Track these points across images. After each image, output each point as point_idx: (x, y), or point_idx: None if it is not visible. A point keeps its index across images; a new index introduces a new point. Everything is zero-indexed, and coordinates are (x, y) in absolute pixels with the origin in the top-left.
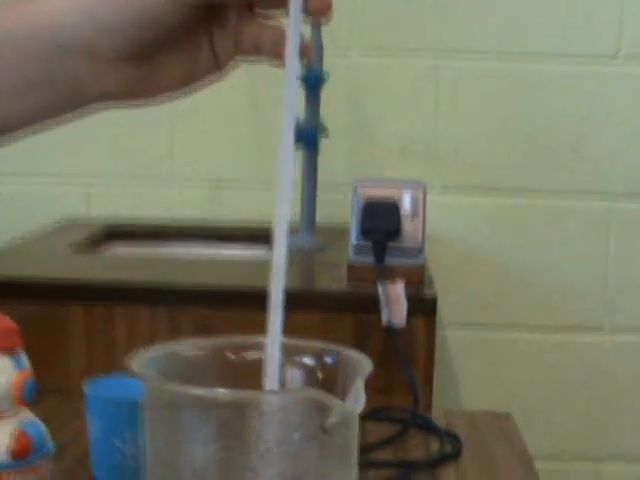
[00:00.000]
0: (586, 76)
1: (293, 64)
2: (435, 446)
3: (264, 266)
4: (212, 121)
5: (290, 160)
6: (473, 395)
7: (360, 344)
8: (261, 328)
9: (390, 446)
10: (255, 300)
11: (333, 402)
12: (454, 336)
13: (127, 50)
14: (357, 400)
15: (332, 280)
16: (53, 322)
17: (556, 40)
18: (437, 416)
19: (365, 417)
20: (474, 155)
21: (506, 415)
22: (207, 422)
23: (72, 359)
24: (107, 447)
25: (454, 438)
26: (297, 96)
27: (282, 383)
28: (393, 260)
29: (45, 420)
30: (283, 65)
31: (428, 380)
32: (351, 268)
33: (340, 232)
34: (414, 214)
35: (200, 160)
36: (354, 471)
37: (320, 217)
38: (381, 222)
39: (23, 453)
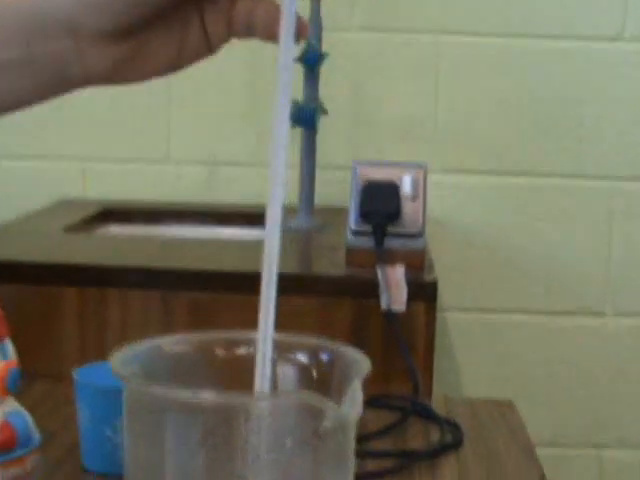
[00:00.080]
0: (590, 57)
1: (288, 45)
2: (435, 435)
3: (260, 248)
4: (209, 101)
5: (284, 145)
6: (473, 380)
7: (359, 329)
8: (256, 312)
9: (389, 435)
10: (251, 283)
11: (327, 406)
12: (454, 321)
13: (113, 29)
14: (353, 404)
15: (330, 264)
16: (44, 305)
17: (559, 20)
18: (437, 404)
19: (363, 405)
20: (475, 136)
21: (508, 403)
22: (192, 427)
23: (64, 343)
24: (97, 436)
25: (455, 427)
26: (292, 79)
27: (274, 382)
28: (393, 243)
29: (35, 406)
30: (277, 42)
31: (428, 367)
32: (350, 251)
33: (339, 213)
34: (415, 197)
35: (197, 140)
36: (350, 478)
37: (318, 198)
38: (381, 205)
39: (7, 445)
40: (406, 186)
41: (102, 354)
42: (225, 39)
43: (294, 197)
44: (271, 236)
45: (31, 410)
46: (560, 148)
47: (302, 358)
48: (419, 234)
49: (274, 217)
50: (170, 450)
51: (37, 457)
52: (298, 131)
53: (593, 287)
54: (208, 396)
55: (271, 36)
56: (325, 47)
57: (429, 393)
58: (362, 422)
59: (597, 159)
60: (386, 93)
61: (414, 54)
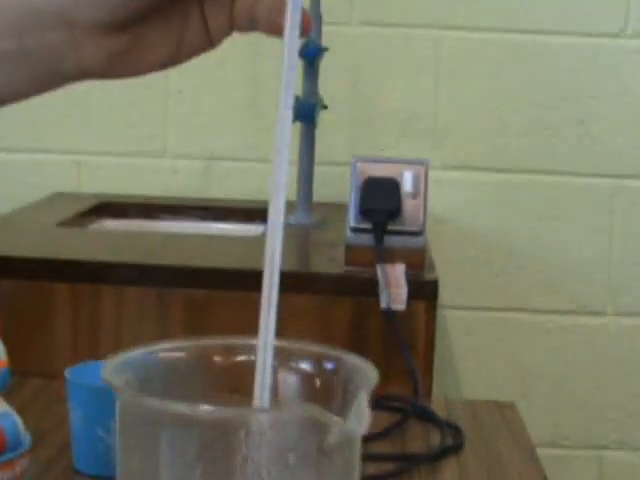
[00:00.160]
0: (592, 53)
1: (293, 39)
2: (436, 437)
3: (258, 244)
4: (206, 94)
5: (287, 140)
6: (472, 379)
7: (358, 329)
8: (254, 310)
9: (388, 437)
10: (248, 280)
11: (332, 420)
12: (454, 319)
13: (109, 21)
14: (360, 417)
15: (329, 262)
16: (37, 301)
17: (561, 16)
18: (437, 405)
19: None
20: (475, 133)
21: (509, 404)
22: (188, 441)
23: (56, 340)
24: (89, 437)
25: (456, 429)
26: (297, 74)
27: (275, 392)
28: (393, 241)
29: (25, 405)
30: (280, 36)
31: (428, 366)
32: (349, 249)
33: (338, 210)
34: (415, 194)
35: (194, 134)
36: None
37: (317, 194)
38: (381, 202)
39: None
40: (407, 183)
41: (95, 352)
42: (226, 33)
43: (292, 193)
44: (273, 238)
45: (22, 409)
46: (562, 144)
47: (305, 366)
48: (420, 232)
49: (276, 221)
50: (165, 464)
51: (27, 461)
52: (297, 126)
53: (594, 286)
54: (205, 409)
55: (275, 30)
56: (325, 41)
57: (429, 393)
58: None
59: (598, 156)
60: (386, 88)
61: (414, 49)
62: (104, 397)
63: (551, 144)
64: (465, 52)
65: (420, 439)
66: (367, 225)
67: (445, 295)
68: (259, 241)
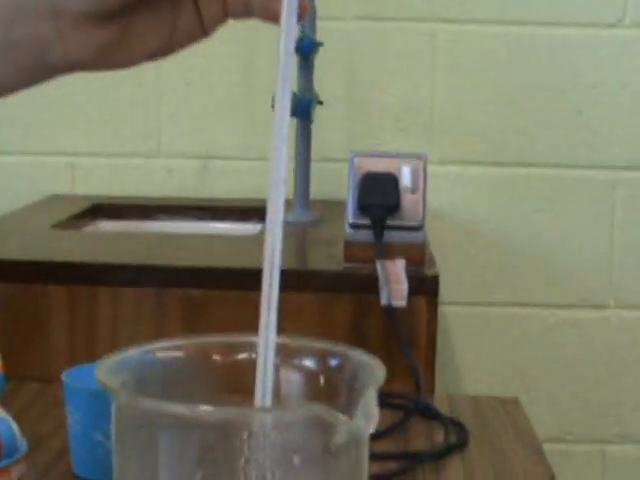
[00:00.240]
0: (590, 44)
1: (290, 26)
2: (439, 435)
3: (254, 243)
4: (200, 93)
5: (285, 134)
6: (474, 375)
7: (358, 326)
8: (252, 309)
9: (391, 436)
10: (246, 279)
11: (339, 419)
12: (455, 315)
13: (96, 11)
14: (367, 416)
15: (328, 259)
16: (32, 304)
17: (558, 7)
18: (440, 402)
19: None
20: (473, 127)
21: (513, 400)
22: (188, 444)
23: (53, 343)
24: (87, 441)
25: (459, 426)
26: (293, 65)
27: (277, 391)
28: (392, 237)
29: (23, 409)
30: (276, 22)
31: (430, 363)
32: (348, 246)
33: (335, 206)
34: (414, 188)
35: (188, 133)
36: None
37: (314, 191)
38: (379, 197)
39: None
40: (405, 178)
41: (92, 355)
42: (220, 20)
43: (289, 191)
44: (273, 237)
45: (19, 413)
46: (560, 137)
47: (308, 363)
48: (419, 227)
49: (275, 219)
50: (164, 469)
51: (23, 466)
52: (293, 122)
53: (595, 280)
54: (205, 410)
55: (270, 16)
56: (319, 36)
57: (431, 390)
58: None
59: (597, 148)
60: (382, 83)
61: (410, 43)
62: (102, 400)
63: (550, 136)
64: (461, 45)
65: (424, 437)
66: (366, 221)
67: (444, 291)
68: (256, 240)
